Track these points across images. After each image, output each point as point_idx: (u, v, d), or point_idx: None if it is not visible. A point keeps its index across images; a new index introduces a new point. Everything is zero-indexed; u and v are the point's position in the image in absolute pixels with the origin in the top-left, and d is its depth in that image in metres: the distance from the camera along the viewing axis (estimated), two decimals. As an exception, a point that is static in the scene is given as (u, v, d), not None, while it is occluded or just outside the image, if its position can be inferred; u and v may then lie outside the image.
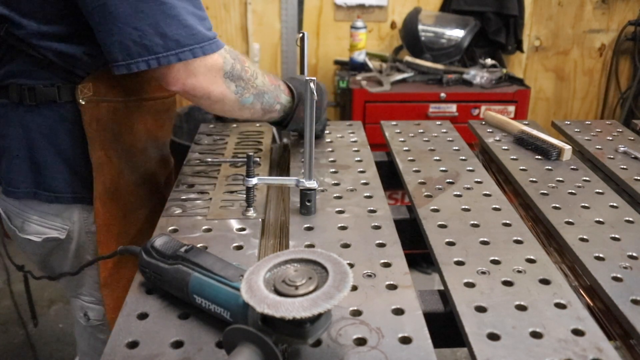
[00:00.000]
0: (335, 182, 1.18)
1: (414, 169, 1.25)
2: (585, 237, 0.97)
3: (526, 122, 1.52)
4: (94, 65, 1.09)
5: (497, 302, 0.79)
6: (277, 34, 3.24)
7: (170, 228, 1.01)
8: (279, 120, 1.25)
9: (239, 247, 0.94)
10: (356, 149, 1.37)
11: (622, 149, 1.35)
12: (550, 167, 1.26)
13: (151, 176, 1.31)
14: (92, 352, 1.45)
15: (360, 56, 2.95)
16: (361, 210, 1.06)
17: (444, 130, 1.50)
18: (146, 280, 0.83)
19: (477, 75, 2.80)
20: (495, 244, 0.94)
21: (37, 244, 1.23)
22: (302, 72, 1.13)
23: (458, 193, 1.13)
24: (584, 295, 0.88)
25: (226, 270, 0.74)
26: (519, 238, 0.96)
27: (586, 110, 3.59)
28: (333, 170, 1.24)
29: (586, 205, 1.09)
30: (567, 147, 1.30)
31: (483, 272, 0.86)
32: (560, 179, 1.20)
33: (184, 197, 1.12)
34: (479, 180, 1.20)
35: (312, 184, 1.02)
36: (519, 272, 0.86)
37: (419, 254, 2.82)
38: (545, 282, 0.84)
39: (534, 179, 1.20)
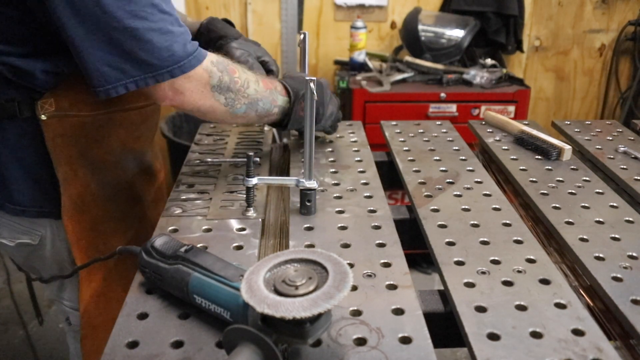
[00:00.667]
0: (335, 182, 1.18)
1: (414, 169, 1.25)
2: (585, 237, 0.97)
3: (526, 122, 1.52)
4: (51, 82, 1.07)
5: (497, 302, 0.79)
6: (277, 34, 3.24)
7: (170, 228, 1.01)
8: (278, 122, 1.23)
9: (239, 247, 0.94)
10: (356, 149, 1.37)
11: (622, 149, 1.35)
12: (550, 167, 1.26)
13: (126, 189, 1.28)
14: (77, 355, 1.46)
15: (360, 56, 2.95)
16: (361, 210, 1.06)
17: (444, 130, 1.50)
18: (146, 280, 0.83)
19: (477, 75, 2.80)
20: (495, 244, 0.94)
21: (12, 248, 1.23)
22: (302, 72, 1.13)
23: (458, 193, 1.13)
24: (584, 295, 0.88)
25: (226, 270, 0.74)
26: (519, 238, 0.96)
27: (586, 110, 3.59)
28: (333, 170, 1.24)
29: (586, 205, 1.09)
30: (567, 147, 1.30)
31: (483, 272, 0.86)
32: (560, 179, 1.20)
33: (184, 197, 1.12)
34: (479, 180, 1.20)
35: (312, 184, 1.02)
36: (519, 272, 0.86)
37: (419, 254, 2.82)
38: (545, 282, 0.84)
39: (534, 179, 1.20)
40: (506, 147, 1.37)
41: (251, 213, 1.05)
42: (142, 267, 0.82)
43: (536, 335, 0.73)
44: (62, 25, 0.93)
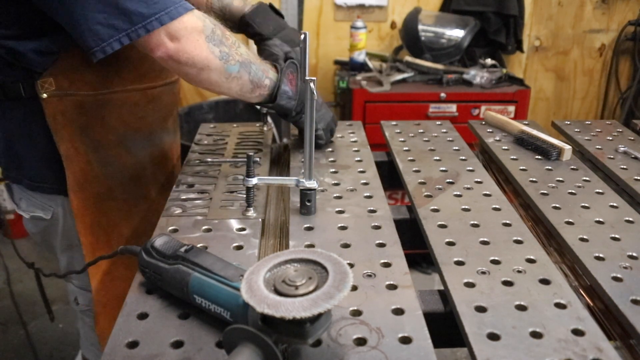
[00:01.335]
0: (335, 182, 1.18)
1: (414, 169, 1.25)
2: (585, 237, 0.97)
3: (526, 122, 1.52)
4: (46, 62, 1.12)
5: (497, 302, 0.79)
6: (277, 34, 3.23)
7: (170, 228, 1.01)
8: (268, 97, 1.19)
9: (239, 247, 0.94)
10: (356, 149, 1.37)
11: (622, 149, 1.35)
12: (550, 167, 1.26)
13: (130, 168, 1.31)
14: (84, 338, 1.53)
15: (360, 56, 2.95)
16: (361, 210, 1.06)
17: (444, 130, 1.50)
18: (146, 280, 0.83)
19: (477, 75, 2.80)
20: (495, 244, 0.94)
21: (28, 222, 1.31)
22: (303, 72, 1.13)
23: (458, 193, 1.13)
24: (584, 295, 0.88)
25: (226, 270, 0.74)
26: (519, 238, 0.96)
27: (586, 110, 3.59)
28: (333, 170, 1.24)
29: (586, 205, 1.09)
30: (567, 147, 1.30)
31: (483, 272, 0.86)
32: (560, 179, 1.20)
33: (184, 197, 1.12)
34: (479, 180, 1.20)
35: (312, 184, 1.02)
36: (519, 272, 0.86)
37: (419, 254, 2.82)
38: (545, 282, 0.84)
39: (534, 179, 1.20)
40: (506, 147, 1.37)
41: (251, 213, 1.05)
42: (142, 267, 0.82)
43: (536, 335, 0.73)
44: None
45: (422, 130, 1.49)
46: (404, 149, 1.37)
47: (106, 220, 1.29)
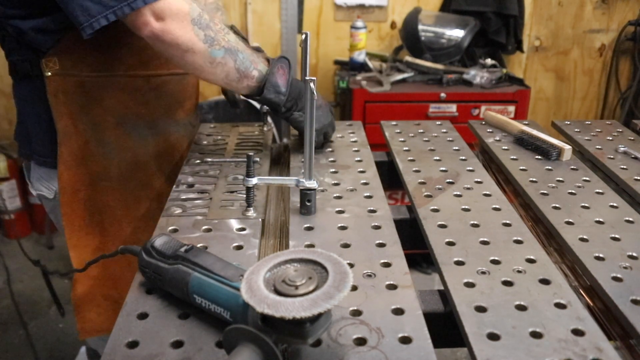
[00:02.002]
0: (335, 182, 1.18)
1: (414, 169, 1.25)
2: (585, 237, 0.97)
3: (526, 122, 1.52)
4: (47, 41, 1.18)
5: (497, 302, 0.79)
6: (277, 34, 3.24)
7: (170, 228, 1.01)
8: (256, 89, 1.20)
9: (239, 247, 0.94)
10: (356, 149, 1.37)
11: (622, 149, 1.35)
12: (550, 167, 1.26)
13: (128, 152, 1.34)
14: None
15: (360, 56, 2.95)
16: (361, 210, 1.06)
17: (444, 130, 1.50)
18: (146, 280, 0.83)
19: (477, 75, 2.80)
20: (495, 244, 0.94)
21: (44, 202, 1.40)
22: (303, 72, 1.13)
23: (458, 193, 1.13)
24: (584, 295, 0.88)
25: (226, 270, 0.74)
26: (519, 238, 0.96)
27: (586, 110, 3.59)
28: (333, 170, 1.24)
29: (586, 205, 1.09)
30: (567, 147, 1.30)
31: (483, 272, 0.86)
32: (560, 179, 1.20)
33: (184, 197, 1.12)
34: (479, 180, 1.20)
35: (312, 184, 1.02)
36: (519, 272, 0.86)
37: (419, 254, 2.82)
38: (545, 282, 0.84)
39: (534, 179, 1.20)
40: (506, 147, 1.37)
41: (251, 213, 1.05)
42: (142, 267, 0.82)
43: (536, 335, 0.73)
44: None
45: (422, 130, 1.49)
46: (404, 149, 1.37)
47: (101, 200, 1.34)
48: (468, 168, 1.26)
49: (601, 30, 3.39)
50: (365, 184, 1.18)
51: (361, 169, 1.25)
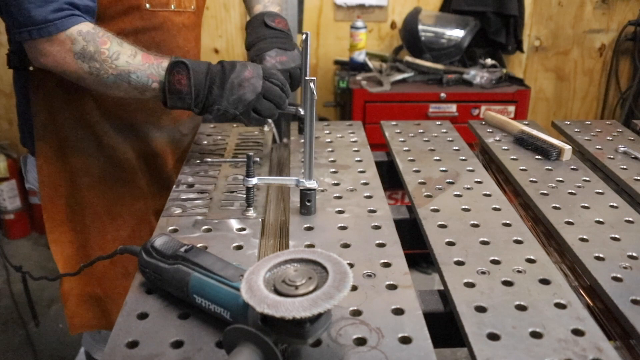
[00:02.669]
0: (335, 182, 1.18)
1: (414, 169, 1.25)
2: (585, 237, 0.97)
3: (526, 122, 1.52)
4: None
5: (497, 302, 0.79)
6: (277, 34, 3.23)
7: (170, 228, 1.01)
8: (163, 99, 1.18)
9: (239, 247, 0.94)
10: (356, 149, 1.37)
11: (622, 149, 1.35)
12: (550, 167, 1.26)
13: (109, 149, 1.36)
14: (86, 333, 1.66)
15: (360, 56, 2.95)
16: (361, 210, 1.06)
17: (444, 130, 1.50)
18: (146, 280, 0.83)
19: (477, 75, 2.80)
20: (495, 244, 0.94)
21: (38, 198, 1.41)
22: (304, 72, 1.13)
23: (458, 193, 1.13)
24: (584, 295, 0.88)
25: (226, 270, 0.74)
26: (519, 238, 0.96)
27: (586, 110, 3.59)
28: (333, 170, 1.24)
29: (586, 205, 1.09)
30: (567, 147, 1.30)
31: (483, 272, 0.86)
32: (560, 179, 1.20)
33: (184, 197, 1.12)
34: (479, 180, 1.20)
35: (312, 184, 1.02)
36: (519, 272, 0.86)
37: (419, 254, 2.82)
38: (545, 282, 0.84)
39: (534, 179, 1.20)
40: (506, 147, 1.37)
41: (251, 213, 1.05)
42: (142, 267, 0.82)
43: (536, 335, 0.73)
44: None
45: (422, 130, 1.49)
46: (404, 149, 1.37)
47: (82, 196, 1.36)
48: (468, 168, 1.26)
49: (601, 30, 3.39)
50: (365, 184, 1.18)
51: (361, 169, 1.25)
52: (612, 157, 1.32)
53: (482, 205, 1.08)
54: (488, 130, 1.49)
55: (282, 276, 0.65)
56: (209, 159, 1.30)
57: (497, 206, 1.08)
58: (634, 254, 0.92)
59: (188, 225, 1.02)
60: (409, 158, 1.31)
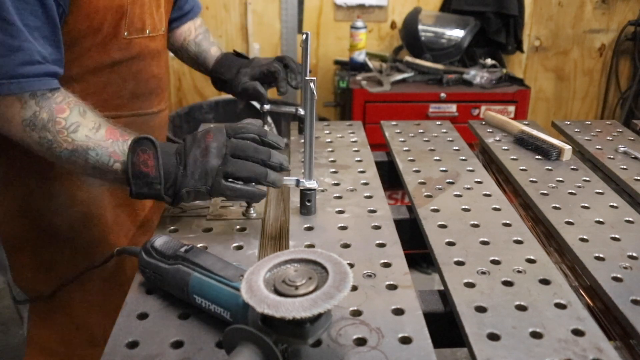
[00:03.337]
0: (335, 182, 1.18)
1: (414, 169, 1.25)
2: (585, 237, 0.97)
3: (526, 122, 1.52)
4: None
5: (497, 302, 0.79)
6: (277, 34, 3.24)
7: (170, 228, 1.01)
8: (127, 181, 0.97)
9: (239, 247, 0.94)
10: (356, 149, 1.37)
11: (622, 149, 1.35)
12: (550, 167, 1.26)
13: (81, 206, 1.23)
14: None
15: (360, 56, 2.95)
16: (361, 210, 1.06)
17: (444, 130, 1.50)
18: (146, 280, 0.83)
19: (477, 75, 2.80)
20: (495, 244, 0.94)
21: None
22: (304, 72, 1.13)
23: (458, 193, 1.13)
24: (584, 295, 0.88)
25: (226, 270, 0.74)
26: (519, 238, 0.96)
27: (586, 110, 3.59)
28: (333, 170, 1.24)
29: (586, 205, 1.09)
30: (567, 147, 1.30)
31: (483, 272, 0.86)
32: (560, 179, 1.20)
33: (184, 197, 1.12)
34: (479, 180, 1.20)
35: (312, 184, 1.02)
36: (519, 272, 0.86)
37: (419, 254, 2.82)
38: (545, 282, 0.84)
39: (534, 179, 1.20)
40: (506, 147, 1.37)
41: (251, 213, 1.05)
42: (142, 267, 0.82)
43: (536, 335, 0.73)
44: None
45: (422, 130, 1.49)
46: (404, 149, 1.37)
47: (49, 256, 1.26)
48: (468, 168, 1.26)
49: (601, 30, 3.39)
50: (365, 184, 1.18)
51: (361, 169, 1.25)
52: (612, 157, 1.32)
53: (482, 205, 1.08)
54: (488, 130, 1.49)
55: (282, 276, 0.65)
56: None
57: (497, 206, 1.08)
58: (634, 254, 0.92)
59: (188, 225, 1.02)
60: (409, 158, 1.31)
